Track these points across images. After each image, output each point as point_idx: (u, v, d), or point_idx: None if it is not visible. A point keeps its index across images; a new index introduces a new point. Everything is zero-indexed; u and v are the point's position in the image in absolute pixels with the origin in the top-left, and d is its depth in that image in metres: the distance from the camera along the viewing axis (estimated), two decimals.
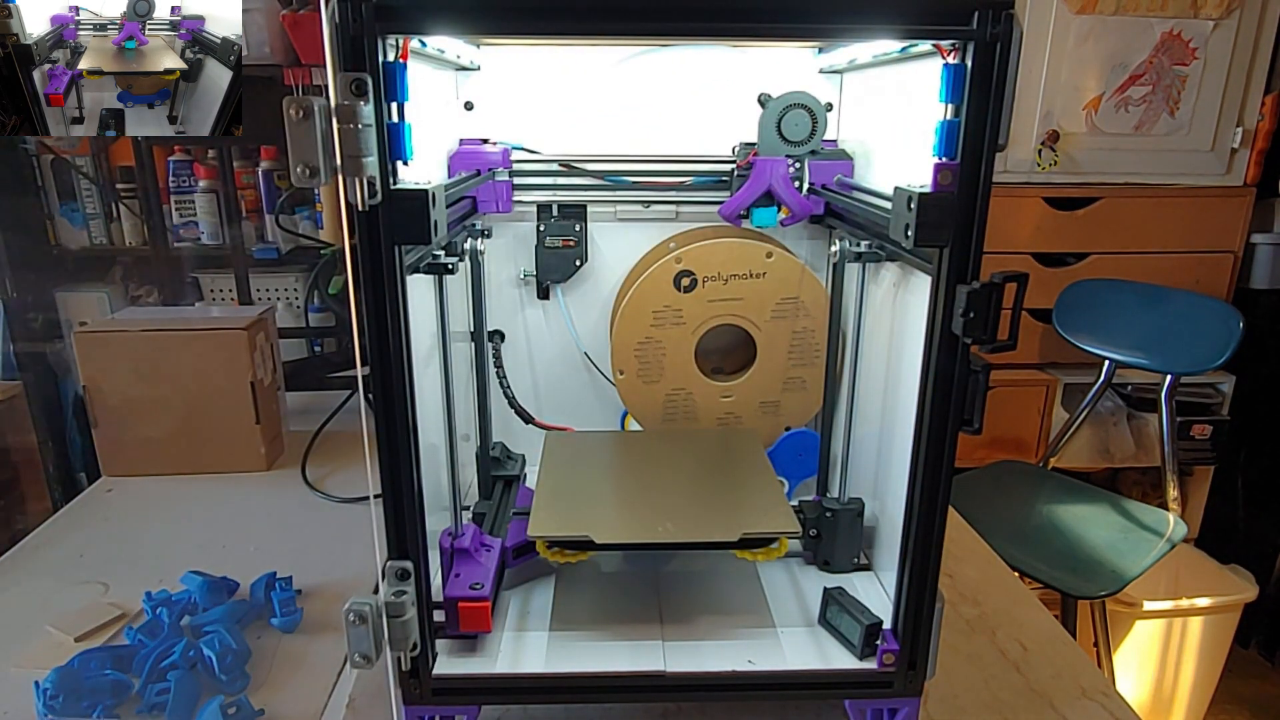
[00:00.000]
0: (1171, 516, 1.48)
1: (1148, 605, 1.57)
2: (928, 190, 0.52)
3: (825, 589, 0.66)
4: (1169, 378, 1.51)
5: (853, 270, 0.73)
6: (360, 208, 0.49)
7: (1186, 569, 1.69)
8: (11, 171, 1.87)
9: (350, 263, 0.50)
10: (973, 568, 0.88)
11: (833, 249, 0.74)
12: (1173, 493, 1.56)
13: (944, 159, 0.51)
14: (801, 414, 0.85)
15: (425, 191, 0.50)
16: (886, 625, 0.62)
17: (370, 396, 0.53)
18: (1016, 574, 0.92)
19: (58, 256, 1.96)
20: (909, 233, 0.52)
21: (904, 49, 0.62)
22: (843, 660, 0.62)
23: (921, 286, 0.61)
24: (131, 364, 1.05)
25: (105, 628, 0.79)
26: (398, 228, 0.50)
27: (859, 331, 0.74)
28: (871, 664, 0.61)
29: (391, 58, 0.49)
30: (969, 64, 0.49)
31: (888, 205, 0.57)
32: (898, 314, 0.68)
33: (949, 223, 0.51)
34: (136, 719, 0.67)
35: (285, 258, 1.85)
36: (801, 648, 0.63)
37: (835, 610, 0.64)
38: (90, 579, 0.87)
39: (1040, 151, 1.70)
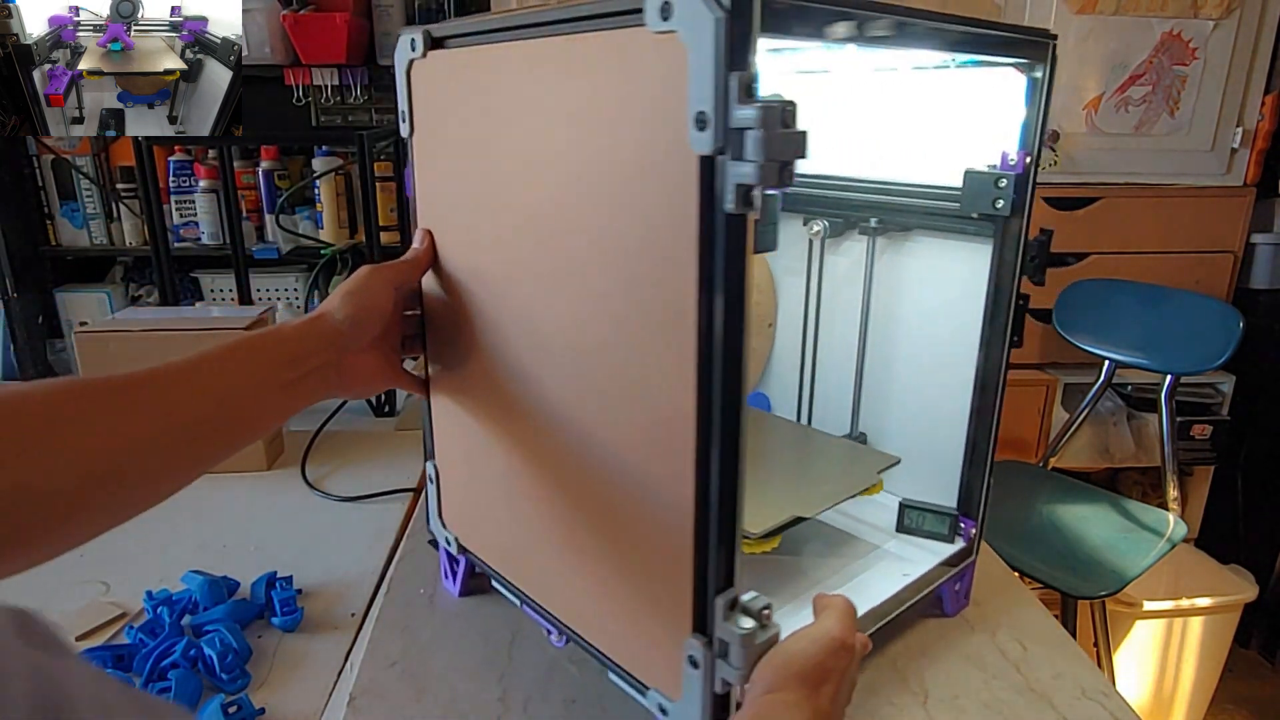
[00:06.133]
0: (1171, 516, 1.48)
1: (1148, 605, 1.57)
2: (1017, 172, 0.68)
3: (900, 501, 0.77)
4: (1169, 378, 1.51)
5: (855, 245, 0.84)
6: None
7: (1186, 569, 1.69)
8: (11, 171, 1.87)
9: None
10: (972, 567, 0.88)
11: (814, 229, 0.85)
12: (1173, 493, 1.56)
13: (1023, 150, 0.69)
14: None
15: None
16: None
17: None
18: (1016, 574, 0.92)
19: (58, 256, 1.97)
20: (998, 205, 0.69)
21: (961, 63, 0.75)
22: (937, 549, 0.75)
23: (952, 252, 0.77)
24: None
25: (106, 627, 0.79)
26: None
27: (868, 299, 0.85)
28: (959, 544, 0.75)
29: None
30: (1040, 77, 0.66)
31: (927, 188, 0.76)
32: (929, 281, 0.80)
33: (1025, 195, 0.69)
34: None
35: (285, 258, 1.85)
36: (909, 552, 0.75)
37: (915, 514, 0.77)
38: (91, 578, 0.87)
39: (1040, 151, 1.70)
